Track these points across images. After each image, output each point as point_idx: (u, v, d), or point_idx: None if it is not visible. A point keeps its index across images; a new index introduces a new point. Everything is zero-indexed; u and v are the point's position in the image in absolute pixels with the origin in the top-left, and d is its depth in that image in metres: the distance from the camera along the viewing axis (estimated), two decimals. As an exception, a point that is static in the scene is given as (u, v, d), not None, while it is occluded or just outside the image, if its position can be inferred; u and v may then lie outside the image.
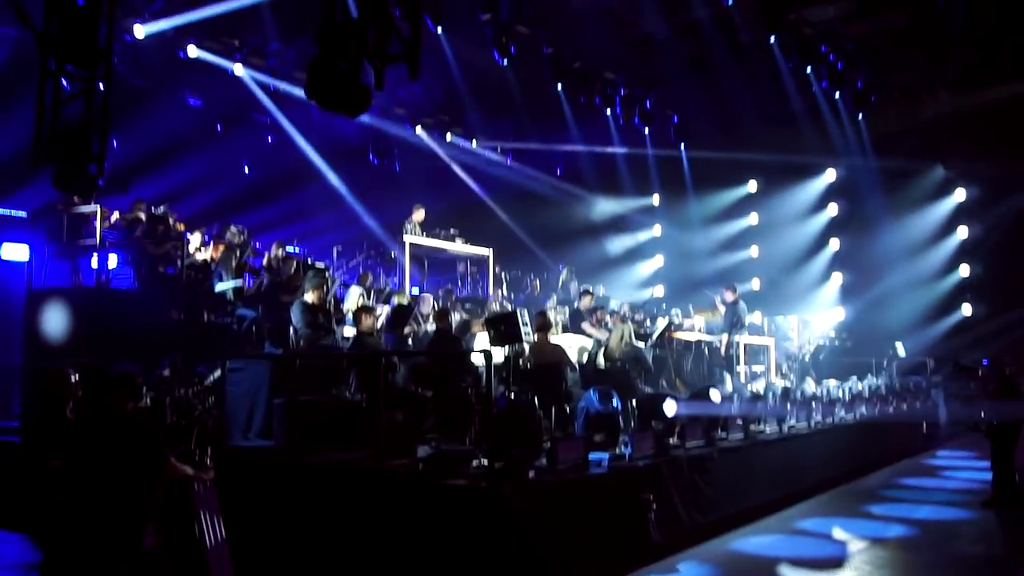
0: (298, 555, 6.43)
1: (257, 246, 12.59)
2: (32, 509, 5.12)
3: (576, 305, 12.59)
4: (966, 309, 20.18)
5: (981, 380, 10.04)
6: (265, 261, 11.23)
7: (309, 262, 11.74)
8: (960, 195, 20.46)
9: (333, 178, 17.63)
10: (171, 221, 10.74)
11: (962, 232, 20.49)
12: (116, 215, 10.49)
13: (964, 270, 20.39)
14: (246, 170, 16.83)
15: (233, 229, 11.28)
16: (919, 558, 7.68)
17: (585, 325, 11.53)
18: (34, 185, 9.56)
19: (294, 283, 10.07)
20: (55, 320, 9.06)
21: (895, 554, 7.72)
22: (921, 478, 12.29)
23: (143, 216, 10.21)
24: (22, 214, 10.59)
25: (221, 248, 10.51)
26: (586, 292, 12.70)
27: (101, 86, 5.88)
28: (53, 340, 8.91)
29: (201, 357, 8.35)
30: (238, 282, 9.93)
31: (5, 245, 10.27)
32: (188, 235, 10.29)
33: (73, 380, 5.54)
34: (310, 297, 8.98)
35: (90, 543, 4.20)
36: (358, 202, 17.89)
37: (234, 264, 10.15)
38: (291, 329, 8.89)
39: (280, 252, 11.27)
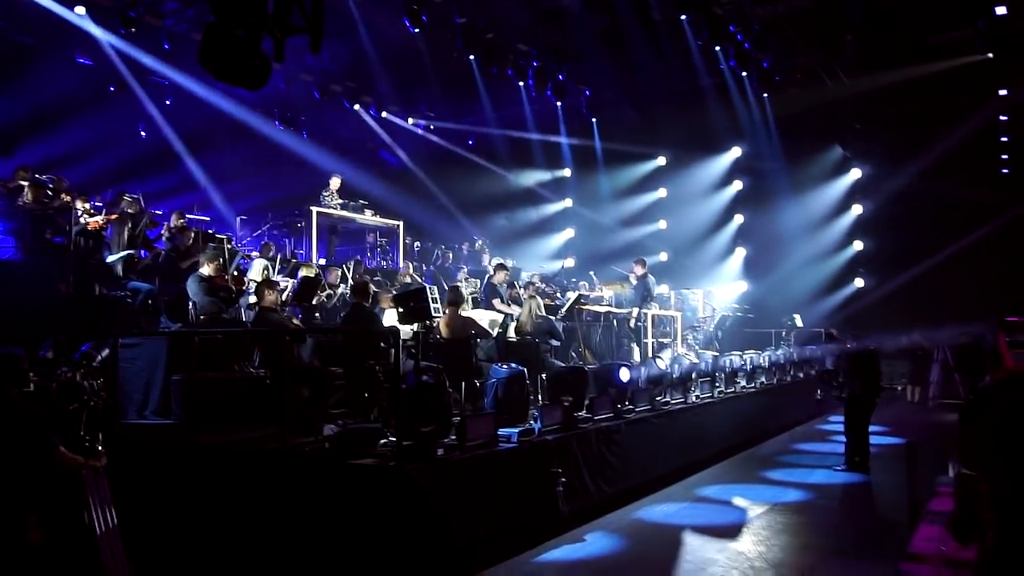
0: (199, 539, 6.22)
1: (158, 214, 12.04)
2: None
3: (490, 278, 12.57)
4: (859, 282, 21.24)
5: (846, 351, 10.60)
6: (164, 231, 10.74)
7: (210, 232, 11.28)
8: (856, 174, 21.37)
9: (238, 143, 16.98)
10: (58, 189, 10.09)
11: (856, 209, 21.45)
12: (-5, 182, 9.80)
13: (858, 245, 21.40)
14: (143, 134, 15.99)
15: (128, 197, 10.73)
16: (813, 520, 8.05)
17: (496, 302, 11.54)
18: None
19: (193, 254, 9.66)
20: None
21: (791, 517, 8.06)
22: (815, 443, 12.88)
23: (25, 184, 9.55)
24: None
25: (114, 217, 9.96)
26: (500, 266, 12.68)
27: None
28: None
29: (93, 333, 7.93)
30: (128, 252, 9.44)
31: None
32: (78, 203, 9.67)
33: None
34: (207, 270, 8.65)
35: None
36: (264, 170, 17.31)
37: (127, 235, 9.64)
38: (189, 303, 8.54)
39: (179, 222, 10.80)
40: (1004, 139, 19.63)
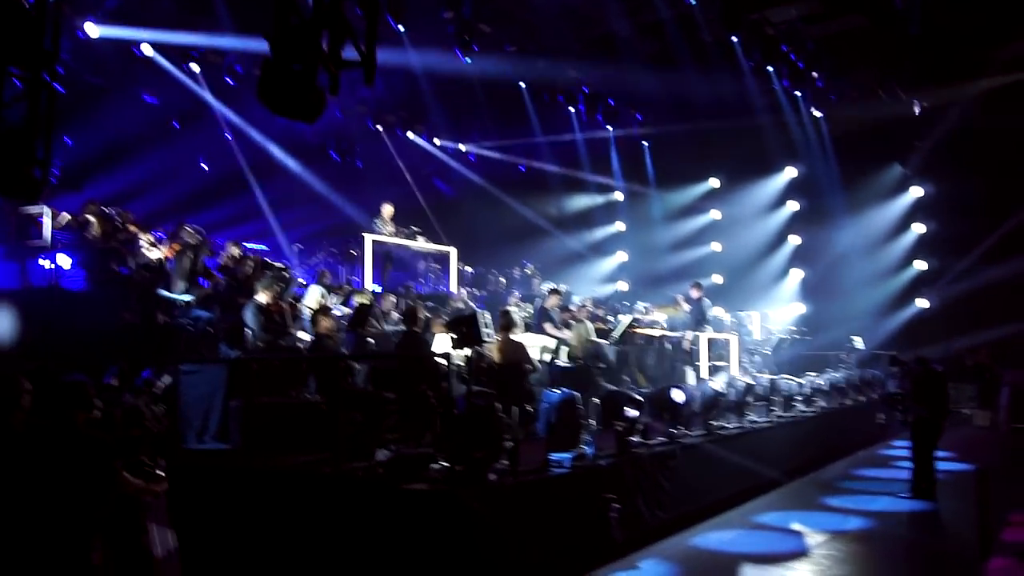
0: (255, 561, 6.32)
1: (218, 244, 12.39)
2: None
3: (542, 303, 12.57)
4: (921, 302, 20.62)
5: (909, 376, 10.27)
6: (221, 260, 11.04)
7: (267, 261, 11.56)
8: (916, 192, 20.85)
9: (294, 174, 17.42)
10: (123, 222, 10.48)
11: (917, 228, 20.90)
12: (65, 216, 10.21)
13: (920, 264, 20.82)
14: (204, 167, 16.53)
15: (189, 229, 11.07)
16: (877, 550, 7.80)
17: (547, 326, 11.53)
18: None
19: (251, 283, 9.89)
20: (4, 323, 8.80)
21: (853, 547, 7.83)
22: (877, 469, 12.50)
23: (93, 218, 9.94)
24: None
25: (176, 248, 10.28)
26: (554, 291, 12.68)
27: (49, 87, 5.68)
28: (2, 344, 8.66)
29: (155, 360, 8.17)
30: (187, 297, 9.73)
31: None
32: (141, 235, 10.03)
33: (24, 387, 5.37)
34: (263, 297, 8.84)
35: (37, 559, 4.08)
36: (320, 199, 17.71)
37: (188, 265, 9.94)
38: (247, 330, 8.74)
39: (236, 251, 11.09)
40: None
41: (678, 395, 9.11)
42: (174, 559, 4.64)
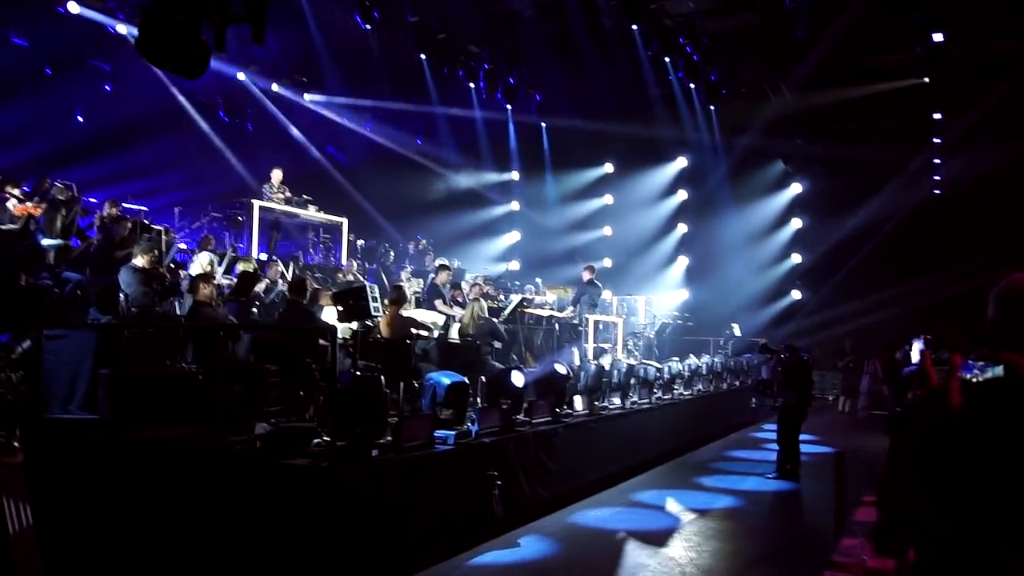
0: (121, 538, 6.03)
1: (92, 202, 11.66)
2: None
3: (432, 279, 12.51)
4: (795, 294, 21.77)
5: (780, 362, 10.89)
6: (96, 220, 10.41)
7: (146, 223, 10.98)
8: (796, 188, 21.90)
9: (179, 133, 16.55)
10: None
11: (796, 223, 22.00)
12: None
13: (796, 258, 21.93)
14: (80, 119, 15.46)
15: (59, 184, 10.36)
16: (742, 528, 8.19)
17: (438, 303, 11.50)
18: None
19: (127, 245, 9.38)
20: None
21: (721, 524, 8.19)
22: (747, 451, 13.14)
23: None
24: None
25: (44, 205, 9.61)
26: (443, 267, 12.63)
27: None
28: None
29: (15, 323, 7.64)
30: (59, 241, 9.12)
31: None
32: (7, 189, 9.30)
33: None
34: (140, 261, 8.41)
35: None
36: (205, 162, 16.92)
37: (59, 223, 9.32)
38: (121, 295, 8.29)
39: (113, 211, 10.47)
40: (936, 161, 20.35)
41: (517, 377, 8.67)
42: (31, 535, 4.36)
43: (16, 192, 9.71)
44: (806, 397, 10.64)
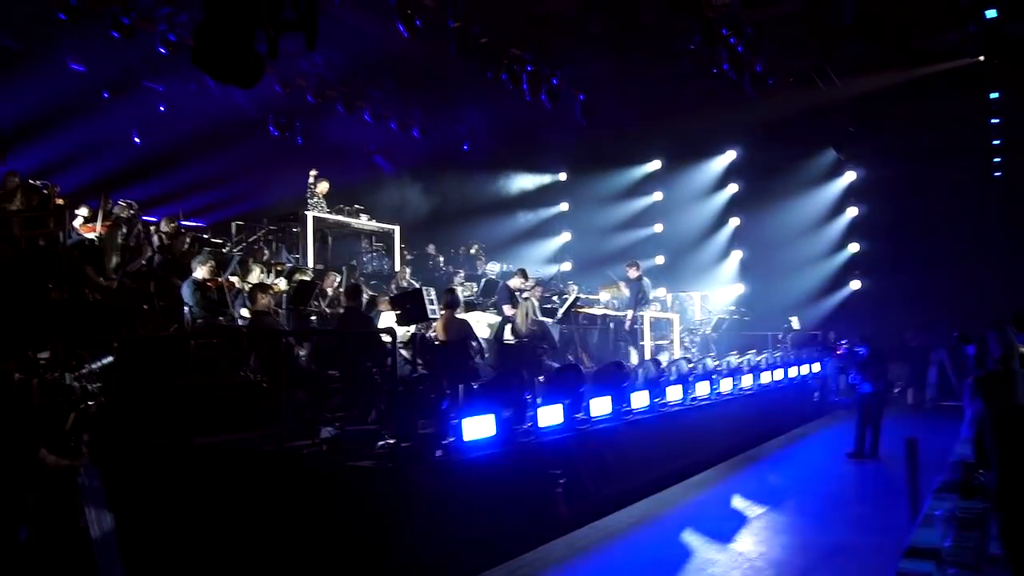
0: (195, 541, 6.15)
1: (152, 220, 11.96)
2: None
3: (505, 283, 12.39)
4: (855, 284, 21.25)
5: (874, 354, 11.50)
6: (155, 237, 10.68)
7: (204, 238, 11.23)
8: (850, 176, 21.41)
9: (232, 149, 16.90)
10: (51, 195, 10.03)
11: (852, 211, 21.49)
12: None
13: (853, 247, 21.42)
14: (136, 141, 15.91)
15: (122, 203, 10.66)
16: (813, 520, 8.01)
17: (506, 308, 11.42)
18: None
19: (187, 260, 9.60)
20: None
21: (791, 518, 8.03)
22: (811, 445, 12.87)
23: (16, 189, 9.49)
24: None
25: (108, 224, 9.89)
26: (520, 271, 12.52)
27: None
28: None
29: (86, 338, 7.86)
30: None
31: None
32: (73, 210, 9.61)
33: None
34: (200, 274, 8.60)
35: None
36: (258, 176, 17.25)
37: (120, 241, 9.57)
38: (185, 308, 8.49)
39: (171, 227, 10.74)
40: (996, 142, 19.68)
41: (576, 377, 8.56)
42: (112, 540, 4.46)
43: (84, 212, 10.01)
44: (884, 386, 11.54)
